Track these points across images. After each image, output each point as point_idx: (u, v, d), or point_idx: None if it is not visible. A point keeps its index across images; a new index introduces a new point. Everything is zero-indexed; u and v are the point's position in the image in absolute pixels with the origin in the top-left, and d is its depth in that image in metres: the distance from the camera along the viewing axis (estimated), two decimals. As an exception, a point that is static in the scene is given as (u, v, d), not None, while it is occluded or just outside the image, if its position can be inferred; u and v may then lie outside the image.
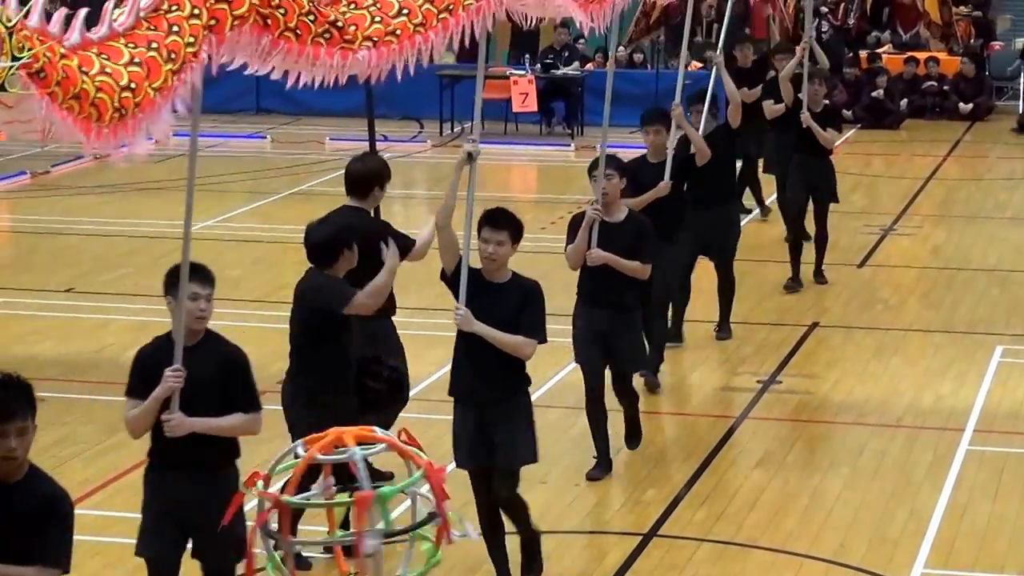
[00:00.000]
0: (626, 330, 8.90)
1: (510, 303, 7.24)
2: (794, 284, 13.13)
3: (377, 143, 20.65)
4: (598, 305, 8.85)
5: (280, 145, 20.81)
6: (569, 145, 20.72)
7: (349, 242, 7.60)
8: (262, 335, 12.13)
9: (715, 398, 10.63)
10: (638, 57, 23.10)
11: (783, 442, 9.82)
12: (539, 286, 7.38)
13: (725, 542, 8.23)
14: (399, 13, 6.17)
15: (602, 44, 23.17)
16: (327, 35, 5.87)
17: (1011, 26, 24.32)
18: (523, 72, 20.89)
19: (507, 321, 7.20)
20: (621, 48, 23.04)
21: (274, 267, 14.47)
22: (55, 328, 12.19)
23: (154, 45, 5.21)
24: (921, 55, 22.68)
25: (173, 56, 5.25)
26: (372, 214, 8.48)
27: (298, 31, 5.75)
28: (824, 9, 22.69)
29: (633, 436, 9.32)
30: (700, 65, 21.00)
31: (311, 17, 5.78)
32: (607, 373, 9.02)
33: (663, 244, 9.76)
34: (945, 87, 22.32)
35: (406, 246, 8.18)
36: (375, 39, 6.06)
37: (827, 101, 13.37)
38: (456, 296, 7.29)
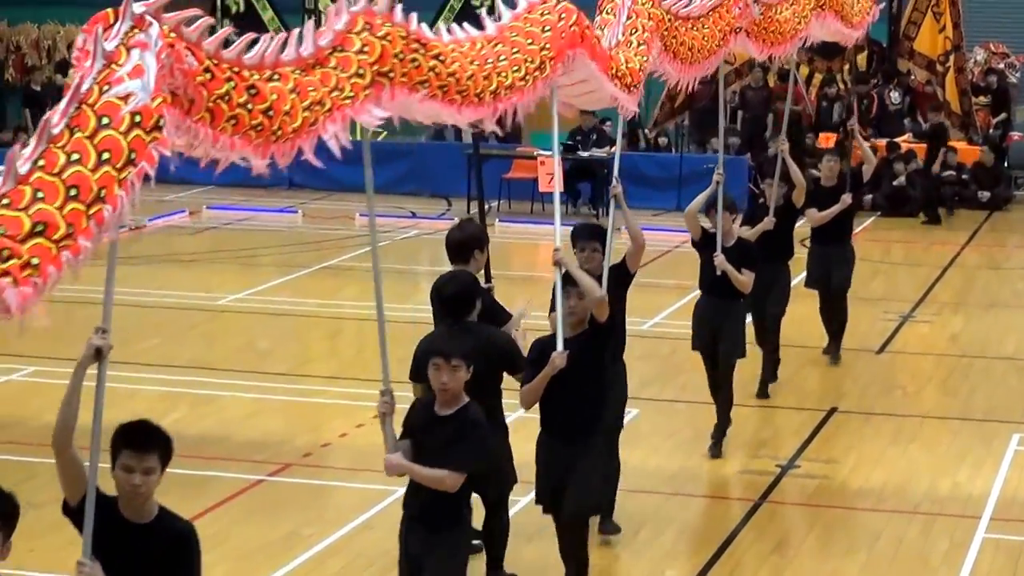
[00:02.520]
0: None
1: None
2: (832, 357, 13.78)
3: (406, 219, 21.09)
4: None
5: (311, 220, 21.11)
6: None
7: (479, 292, 8.14)
8: (288, 408, 12.38)
9: (734, 481, 10.78)
10: (663, 140, 23.38)
11: (801, 526, 9.97)
12: None
13: (743, 623, 8.34)
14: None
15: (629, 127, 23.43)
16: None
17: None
18: (550, 153, 21.15)
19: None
20: (646, 131, 23.39)
21: (302, 340, 14.68)
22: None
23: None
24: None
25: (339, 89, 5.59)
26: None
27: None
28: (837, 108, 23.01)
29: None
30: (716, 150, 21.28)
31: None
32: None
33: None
34: (964, 176, 22.58)
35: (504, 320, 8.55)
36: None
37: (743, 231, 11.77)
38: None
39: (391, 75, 5.86)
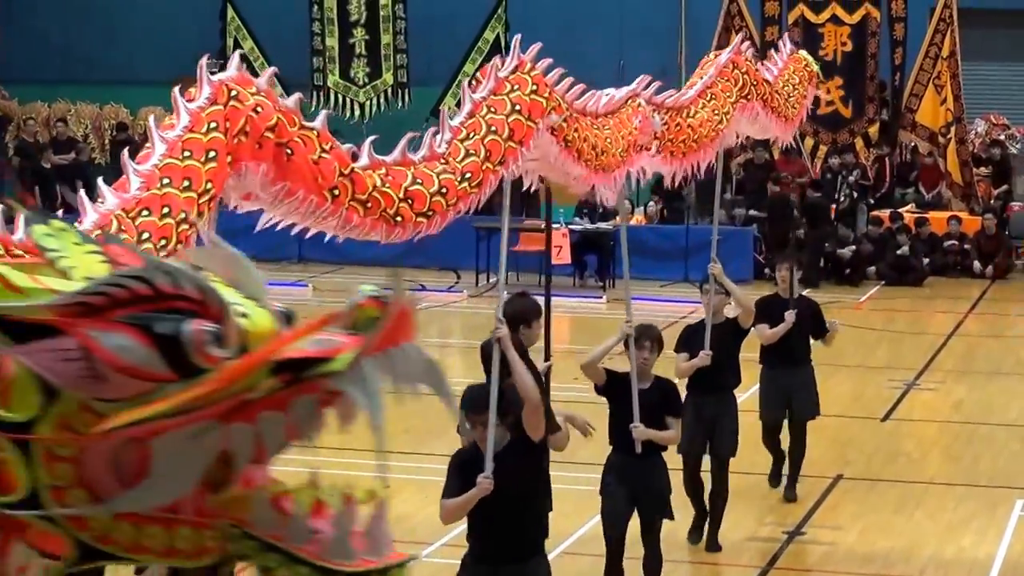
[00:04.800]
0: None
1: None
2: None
3: (415, 292, 21.25)
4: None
5: (321, 293, 21.18)
6: (601, 297, 21.17)
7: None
8: (298, 480, 12.40)
9: (742, 548, 10.87)
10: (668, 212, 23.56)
11: (808, 591, 10.09)
12: None
13: None
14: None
15: (634, 198, 23.70)
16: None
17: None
18: (557, 226, 21.40)
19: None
20: (652, 203, 23.59)
21: None
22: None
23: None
24: (943, 214, 23.19)
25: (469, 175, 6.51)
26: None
27: None
28: (854, 176, 23.24)
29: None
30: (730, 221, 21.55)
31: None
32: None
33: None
34: (966, 246, 22.81)
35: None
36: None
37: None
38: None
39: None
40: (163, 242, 5.12)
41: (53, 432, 3.16)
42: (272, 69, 6.32)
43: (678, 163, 8.73)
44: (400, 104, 24.42)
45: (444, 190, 6.35)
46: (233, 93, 5.56)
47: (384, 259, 21.42)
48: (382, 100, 24.62)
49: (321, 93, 24.59)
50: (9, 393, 3.15)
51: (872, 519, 11.47)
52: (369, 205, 6.05)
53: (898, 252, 22.28)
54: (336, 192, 5.92)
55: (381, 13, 24.61)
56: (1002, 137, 24.30)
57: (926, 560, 10.61)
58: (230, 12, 24.51)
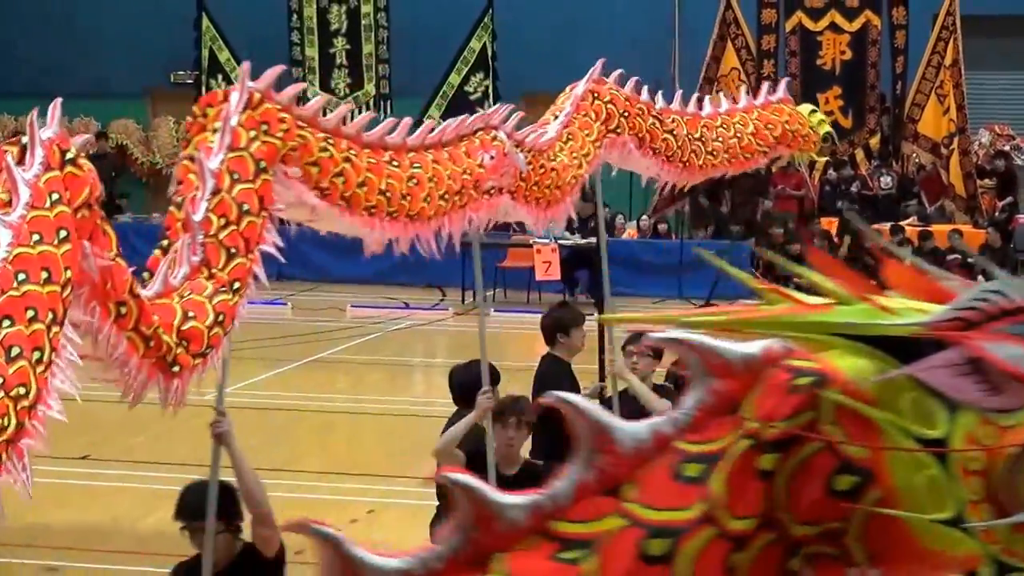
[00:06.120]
0: None
1: None
2: None
3: (399, 310, 20.64)
4: None
5: (301, 312, 20.57)
6: (592, 314, 20.48)
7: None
8: (279, 504, 11.73)
9: None
10: (662, 227, 23.11)
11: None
12: None
13: None
14: None
15: (624, 213, 23.11)
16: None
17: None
18: (546, 241, 20.80)
19: None
20: (645, 217, 23.06)
21: (292, 436, 14.22)
22: (70, 495, 11.88)
23: None
24: (945, 227, 22.66)
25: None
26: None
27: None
28: (855, 188, 22.86)
29: None
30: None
31: None
32: None
33: None
34: (970, 260, 22.21)
35: None
36: None
37: None
38: None
39: None
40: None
41: (964, 446, 3.27)
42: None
43: (543, 212, 7.44)
44: (382, 115, 23.86)
45: (221, 317, 5.05)
46: (69, 156, 4.25)
47: (365, 277, 20.98)
48: (364, 111, 24.03)
49: (300, 103, 24.01)
50: (914, 410, 3.26)
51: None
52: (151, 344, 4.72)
53: (901, 266, 21.66)
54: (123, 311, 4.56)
55: (363, 22, 24.16)
56: (1007, 148, 24.00)
57: None
58: (205, 21, 23.88)
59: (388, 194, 6.01)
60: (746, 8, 22.90)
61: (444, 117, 23.46)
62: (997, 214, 23.10)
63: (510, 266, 21.85)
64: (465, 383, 7.97)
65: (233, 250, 5.17)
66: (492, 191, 6.74)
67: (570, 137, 7.61)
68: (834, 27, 22.70)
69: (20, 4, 27.56)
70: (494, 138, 6.76)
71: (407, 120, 6.25)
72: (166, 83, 26.37)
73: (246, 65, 5.49)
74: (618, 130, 7.89)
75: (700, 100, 8.68)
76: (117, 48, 26.49)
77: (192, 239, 5.07)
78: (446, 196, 6.35)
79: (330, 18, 24.06)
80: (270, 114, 5.48)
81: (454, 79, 22.76)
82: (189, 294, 4.98)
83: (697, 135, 8.39)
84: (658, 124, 8.15)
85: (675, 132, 8.25)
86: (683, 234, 22.34)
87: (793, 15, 22.79)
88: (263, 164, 5.36)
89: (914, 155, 23.44)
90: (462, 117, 6.70)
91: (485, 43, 22.93)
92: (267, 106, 5.48)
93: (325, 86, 24.18)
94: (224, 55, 23.69)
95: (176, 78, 26.15)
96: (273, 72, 5.56)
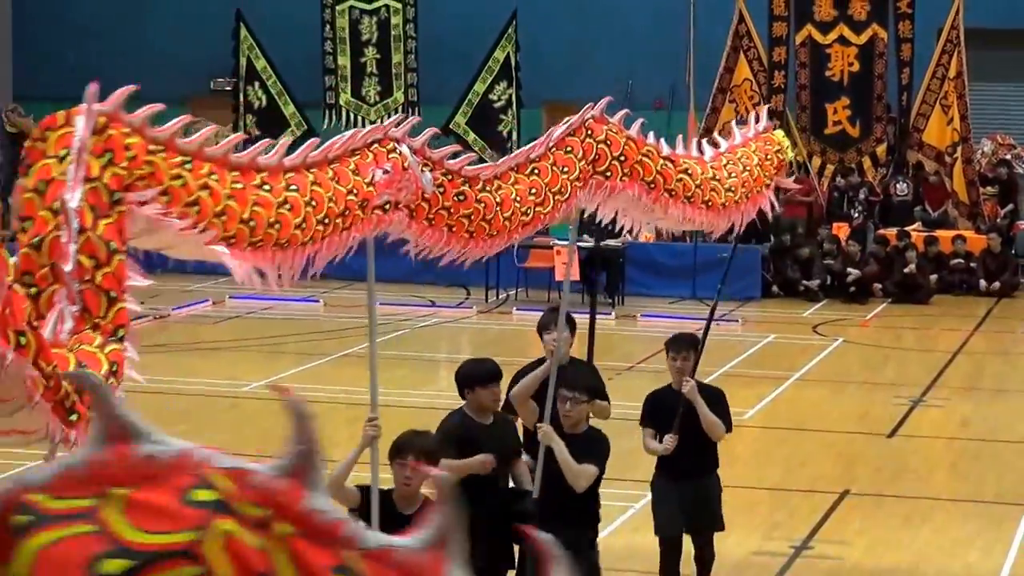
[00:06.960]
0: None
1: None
2: None
3: (424, 308, 21.35)
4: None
5: (332, 309, 21.35)
6: (610, 314, 21.28)
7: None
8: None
9: (748, 562, 10.98)
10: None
11: (815, 604, 10.20)
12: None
13: None
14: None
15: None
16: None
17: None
18: (566, 243, 21.46)
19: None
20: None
21: (324, 427, 14.79)
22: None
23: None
24: (949, 233, 23.31)
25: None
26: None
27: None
28: (863, 194, 23.38)
29: None
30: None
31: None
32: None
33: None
34: (972, 264, 22.92)
35: None
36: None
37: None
38: None
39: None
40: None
41: None
42: None
43: (457, 243, 6.83)
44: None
45: (115, 367, 5.09)
46: None
47: (396, 276, 21.70)
48: (392, 116, 24.81)
49: (333, 111, 24.83)
50: None
51: (878, 534, 11.57)
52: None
53: (905, 270, 22.39)
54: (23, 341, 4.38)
55: (392, 32, 24.82)
56: (1008, 157, 24.41)
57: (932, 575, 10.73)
58: (243, 31, 24.68)
59: (252, 223, 5.53)
60: (758, 22, 23.56)
61: (470, 124, 24.36)
62: (999, 220, 23.73)
63: (532, 266, 22.51)
64: (458, 377, 8.83)
65: (112, 294, 4.93)
66: (387, 206, 6.32)
67: (536, 171, 7.05)
68: (842, 40, 23.32)
69: (71, 17, 28.27)
70: (392, 150, 6.34)
71: (285, 141, 6.30)
72: (206, 90, 27.06)
73: (93, 87, 5.12)
74: (607, 173, 7.37)
75: (699, 144, 8.22)
76: (159, 56, 27.17)
77: (68, 289, 4.86)
78: (326, 219, 5.90)
79: (362, 28, 24.78)
80: (114, 141, 5.09)
81: (479, 88, 23.47)
82: (79, 346, 4.82)
83: (711, 175, 7.89)
84: (670, 165, 7.63)
85: (690, 172, 7.74)
86: (697, 238, 22.93)
87: (803, 28, 23.40)
88: (117, 195, 5.02)
89: (918, 163, 23.99)
90: (353, 131, 6.33)
91: (508, 53, 23.63)
92: (111, 132, 5.09)
93: (356, 93, 24.97)
94: (261, 63, 24.50)
95: (216, 85, 26.82)
96: (121, 93, 5.18)
